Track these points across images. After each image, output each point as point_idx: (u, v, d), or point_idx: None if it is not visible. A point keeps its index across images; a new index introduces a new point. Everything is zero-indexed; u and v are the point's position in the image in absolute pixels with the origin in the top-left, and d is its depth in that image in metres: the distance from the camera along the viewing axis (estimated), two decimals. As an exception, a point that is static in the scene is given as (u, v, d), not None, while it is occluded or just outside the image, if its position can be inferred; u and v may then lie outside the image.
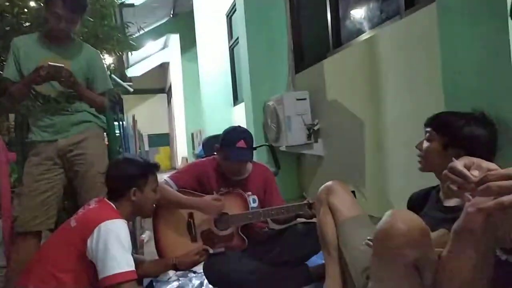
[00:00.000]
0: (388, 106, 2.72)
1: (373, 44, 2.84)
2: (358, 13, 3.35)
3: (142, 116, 13.54)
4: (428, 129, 1.42)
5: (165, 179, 2.01)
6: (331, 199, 1.55)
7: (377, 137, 2.87)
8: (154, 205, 1.79)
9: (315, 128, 3.68)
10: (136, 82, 12.24)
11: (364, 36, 3.08)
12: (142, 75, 11.77)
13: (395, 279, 1.02)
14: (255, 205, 2.02)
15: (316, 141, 3.73)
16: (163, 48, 11.45)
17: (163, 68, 12.83)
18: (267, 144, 3.97)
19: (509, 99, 1.42)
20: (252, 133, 4.28)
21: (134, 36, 3.57)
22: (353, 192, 1.73)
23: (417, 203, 1.52)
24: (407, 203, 1.60)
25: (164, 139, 13.88)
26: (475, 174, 0.82)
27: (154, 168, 1.71)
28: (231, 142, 1.93)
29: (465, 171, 0.83)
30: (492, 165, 0.84)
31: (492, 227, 0.87)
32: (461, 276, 0.97)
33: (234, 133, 1.99)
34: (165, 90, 14.11)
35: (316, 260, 1.94)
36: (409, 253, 0.96)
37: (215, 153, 2.06)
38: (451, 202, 1.34)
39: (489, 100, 1.50)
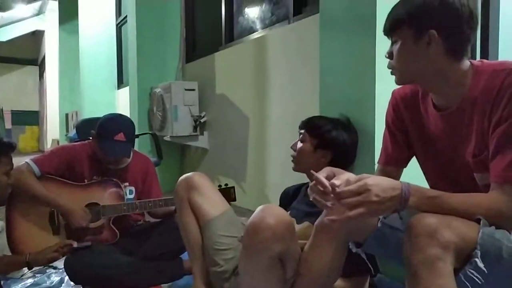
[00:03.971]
0: (272, 105, 2.84)
1: (263, 44, 2.93)
2: (251, 12, 3.43)
3: (6, 88, 11.82)
4: (302, 131, 1.55)
5: (26, 162, 1.77)
6: (193, 197, 1.43)
7: (260, 134, 2.98)
8: (9, 191, 1.56)
9: (202, 120, 3.66)
10: (1, 48, 10.61)
11: (255, 35, 3.16)
12: (9, 41, 10.19)
13: (261, 271, 1.07)
14: (132, 196, 1.90)
15: (202, 134, 3.71)
16: (38, 14, 10.09)
17: (37, 37, 11.30)
18: (150, 132, 3.81)
19: (369, 108, 1.61)
20: (136, 120, 4.05)
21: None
22: (233, 188, 1.77)
23: (288, 196, 1.65)
24: (280, 196, 1.70)
25: (32, 117, 12.29)
26: (335, 183, 0.90)
27: (7, 148, 1.48)
28: (108, 133, 1.77)
29: (326, 182, 0.91)
30: (349, 175, 0.93)
31: (347, 223, 0.97)
32: (320, 266, 1.07)
33: (112, 124, 1.82)
34: (37, 62, 12.48)
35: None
36: (275, 247, 1.02)
37: (91, 138, 1.88)
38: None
39: (354, 108, 1.68)
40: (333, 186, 0.89)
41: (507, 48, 1.70)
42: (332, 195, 0.90)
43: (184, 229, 1.47)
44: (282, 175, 2.69)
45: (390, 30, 1.05)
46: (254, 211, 1.07)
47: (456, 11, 0.96)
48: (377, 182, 0.89)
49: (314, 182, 0.94)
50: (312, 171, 0.96)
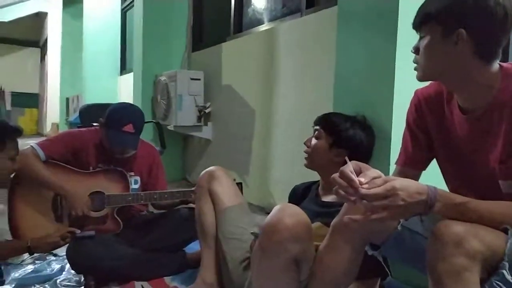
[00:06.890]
0: (280, 98, 2.80)
1: (272, 36, 2.87)
2: (262, 3, 3.37)
3: (7, 69, 11.71)
4: (317, 127, 1.50)
5: (32, 146, 1.73)
6: (213, 187, 1.52)
7: (266, 128, 2.94)
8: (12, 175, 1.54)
9: (207, 110, 3.62)
10: (3, 28, 10.48)
11: (265, 27, 3.11)
12: (12, 22, 10.06)
13: (276, 272, 1.04)
14: (136, 186, 1.86)
15: (206, 124, 3.67)
16: (42, -5, 9.97)
17: (40, 18, 11.16)
18: (154, 121, 3.76)
19: (386, 106, 1.57)
20: (139, 107, 4.00)
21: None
22: (240, 183, 1.73)
23: (298, 195, 1.60)
24: (289, 194, 1.66)
25: (32, 100, 12.23)
26: (361, 180, 0.86)
27: (14, 133, 1.44)
28: (117, 123, 1.73)
29: (353, 176, 0.87)
30: (375, 173, 0.89)
31: (366, 224, 0.94)
32: (335, 268, 1.04)
33: (122, 113, 1.78)
34: (39, 44, 12.35)
35: (194, 246, 1.89)
36: (292, 248, 0.99)
37: (99, 126, 1.83)
38: (329, 198, 1.43)
39: (370, 106, 1.64)
40: (359, 183, 0.85)
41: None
42: (355, 192, 0.86)
43: (200, 217, 1.53)
44: (288, 171, 2.65)
45: (419, 24, 1.01)
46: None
47: (490, 12, 0.91)
48: (405, 186, 0.85)
49: (338, 174, 0.89)
50: (334, 176, 0.91)
